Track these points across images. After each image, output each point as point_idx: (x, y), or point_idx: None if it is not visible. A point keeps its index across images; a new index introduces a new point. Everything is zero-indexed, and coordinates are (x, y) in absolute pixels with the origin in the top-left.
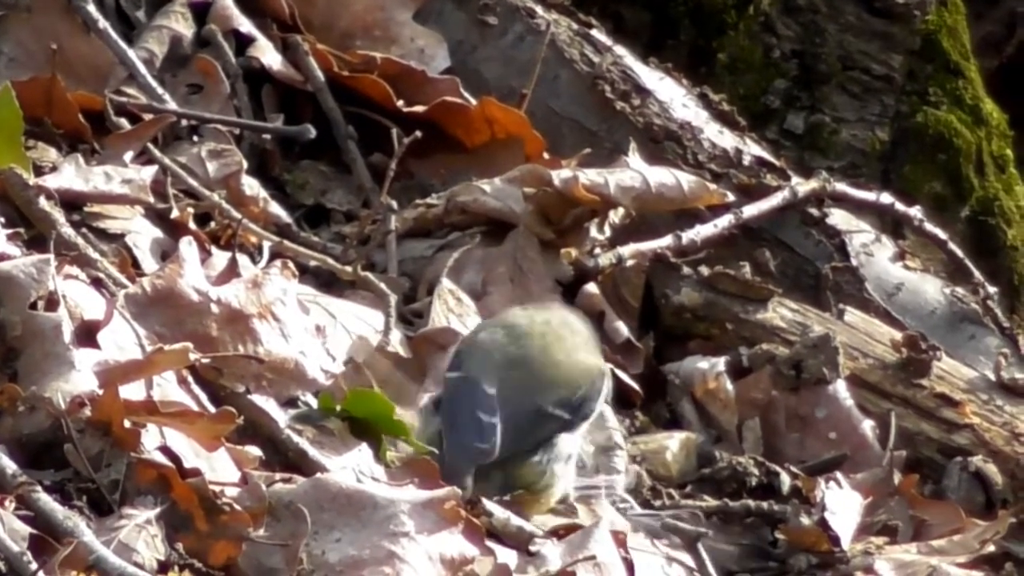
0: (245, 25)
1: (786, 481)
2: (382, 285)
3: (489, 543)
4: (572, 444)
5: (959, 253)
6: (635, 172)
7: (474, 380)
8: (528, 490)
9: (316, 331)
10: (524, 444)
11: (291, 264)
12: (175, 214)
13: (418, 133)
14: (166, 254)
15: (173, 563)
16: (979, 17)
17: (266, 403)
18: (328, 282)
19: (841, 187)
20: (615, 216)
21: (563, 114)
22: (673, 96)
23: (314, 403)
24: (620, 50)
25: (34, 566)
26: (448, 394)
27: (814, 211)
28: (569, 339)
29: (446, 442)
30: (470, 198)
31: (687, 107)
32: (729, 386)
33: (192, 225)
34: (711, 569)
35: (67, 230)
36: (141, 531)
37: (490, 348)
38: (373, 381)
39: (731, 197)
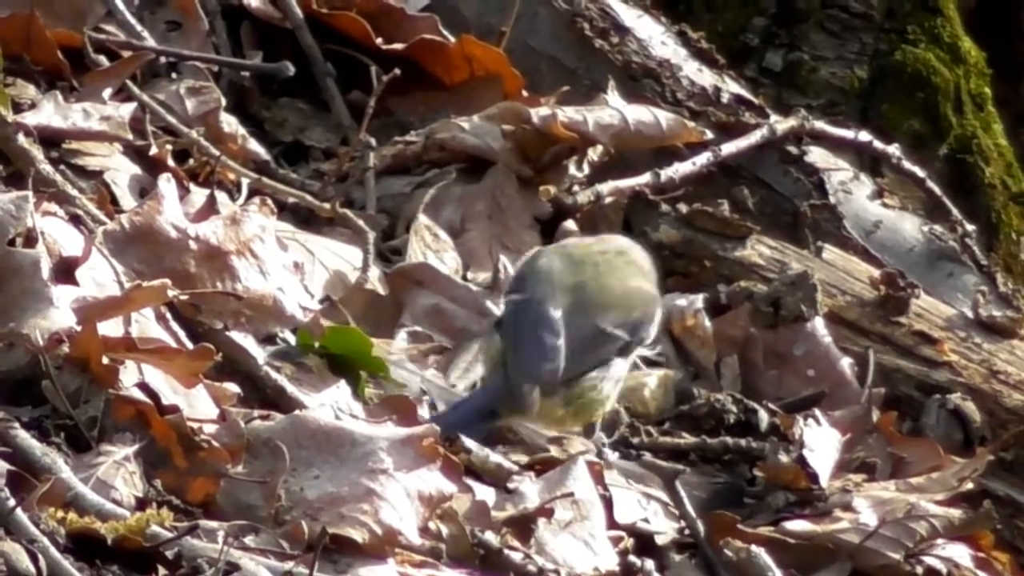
0: None
1: (764, 418)
2: (360, 222)
3: (467, 480)
4: (623, 368)
5: (937, 191)
6: (614, 110)
7: (538, 302)
8: (581, 408)
9: (294, 268)
10: (584, 364)
11: (269, 201)
12: (154, 151)
13: (397, 71)
14: (144, 191)
15: (151, 500)
16: None
17: (244, 340)
18: (306, 219)
19: (819, 125)
20: (593, 154)
21: (542, 52)
22: (652, 34)
23: (292, 340)
24: None
25: (12, 502)
26: (511, 316)
27: (792, 149)
28: (624, 268)
29: (512, 363)
30: (448, 135)
31: (666, 45)
32: (707, 323)
33: (171, 162)
34: (688, 506)
35: (46, 167)
36: (119, 468)
37: (550, 273)
38: (350, 318)
39: (709, 135)
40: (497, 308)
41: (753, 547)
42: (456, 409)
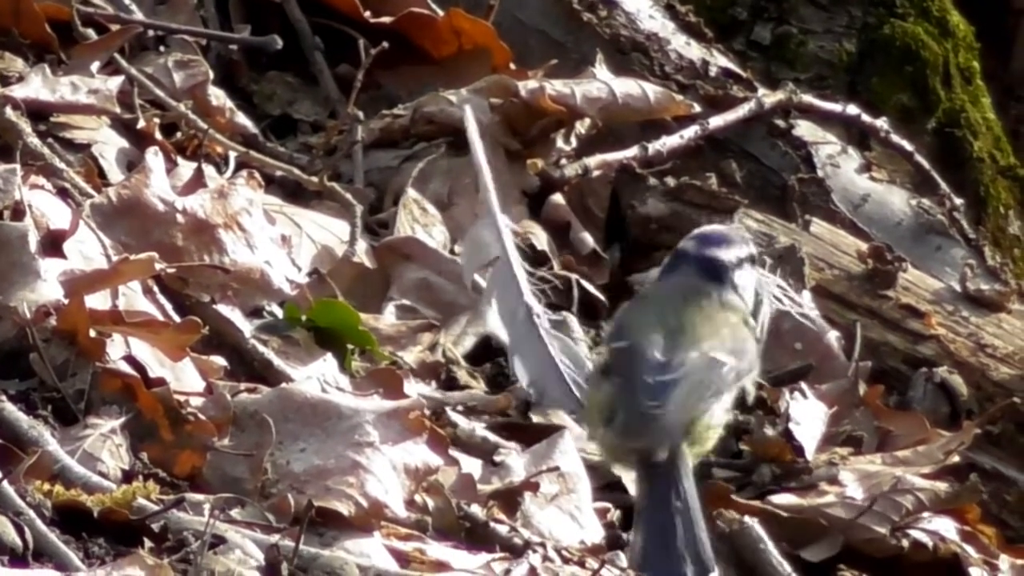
0: None
1: (751, 392)
2: (348, 195)
3: (453, 453)
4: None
5: (925, 164)
6: (602, 83)
7: (640, 347)
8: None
9: (282, 241)
10: (701, 395)
11: (257, 174)
12: (141, 124)
13: (385, 44)
14: (132, 164)
15: (137, 472)
16: None
17: (231, 313)
18: (294, 192)
19: (807, 98)
20: (581, 127)
21: (530, 25)
22: (640, 7)
23: (279, 313)
24: None
25: None
26: (617, 362)
27: (780, 122)
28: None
29: (622, 408)
30: (436, 109)
31: (654, 18)
32: None
33: (158, 135)
34: None
35: (33, 140)
36: (106, 440)
37: (647, 318)
38: (338, 291)
39: (697, 108)
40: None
41: (746, 518)
42: None
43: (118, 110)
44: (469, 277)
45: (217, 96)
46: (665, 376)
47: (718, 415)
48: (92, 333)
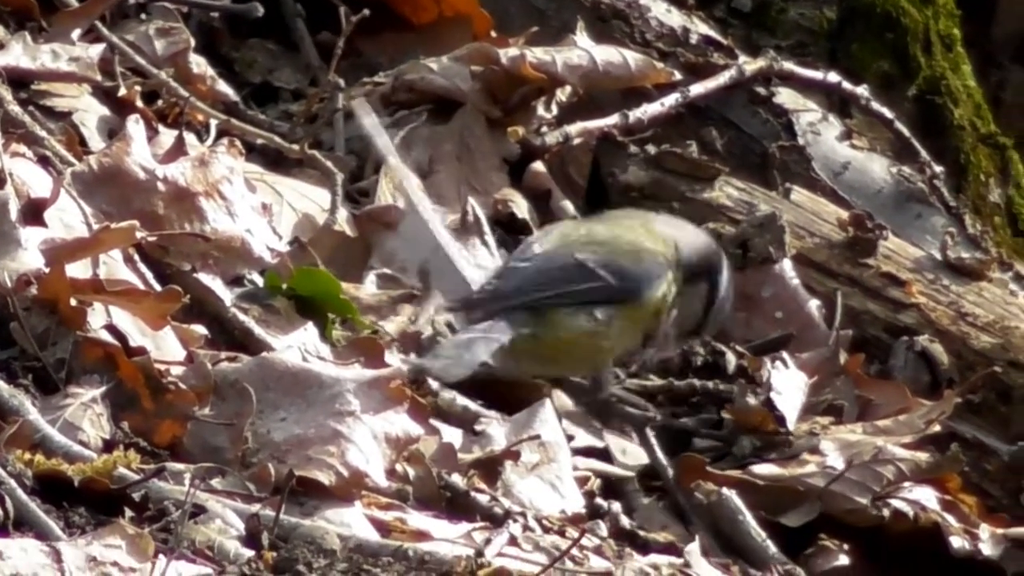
0: None
1: (732, 360)
2: (329, 163)
3: (434, 422)
4: (610, 315)
5: (906, 132)
6: (582, 51)
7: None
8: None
9: (263, 209)
10: (549, 290)
11: (238, 142)
12: (122, 92)
13: (366, 11)
14: (113, 132)
15: (118, 442)
16: None
17: (212, 282)
18: (275, 160)
19: (788, 66)
20: (562, 94)
21: None
22: None
23: (260, 281)
24: None
25: None
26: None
27: (761, 90)
28: (637, 229)
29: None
30: (417, 76)
31: None
32: None
33: (139, 103)
34: (659, 453)
35: (14, 108)
36: (86, 410)
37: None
38: (319, 259)
39: (678, 76)
40: (466, 247)
41: (724, 489)
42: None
43: (99, 78)
44: (412, 273)
45: (198, 64)
46: (519, 262)
47: (578, 322)
48: (73, 302)
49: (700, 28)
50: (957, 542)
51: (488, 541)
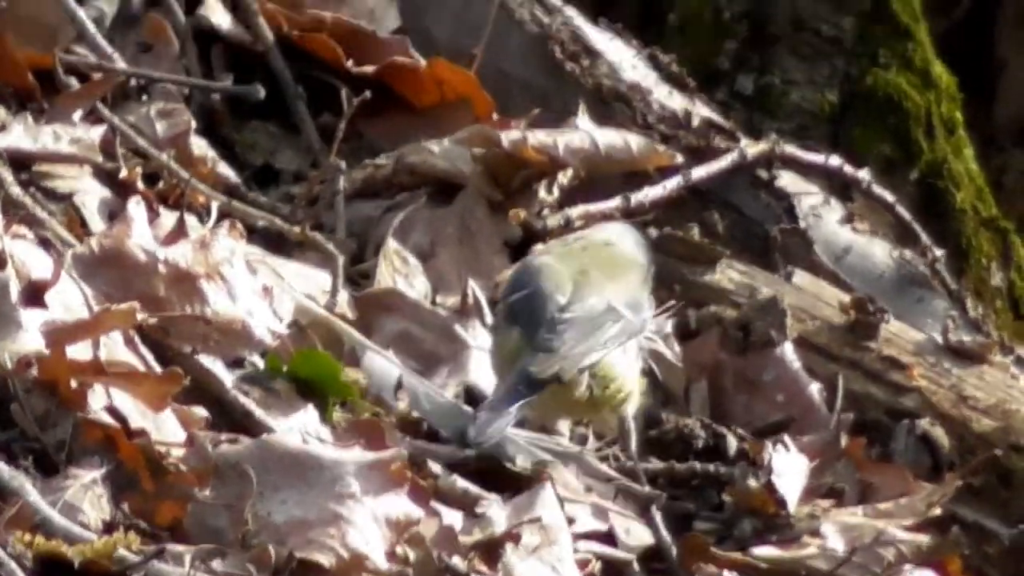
0: None
1: (733, 444)
2: (330, 246)
3: (435, 504)
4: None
5: (907, 216)
6: (584, 133)
7: (544, 290)
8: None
9: (263, 292)
10: (599, 341)
11: (239, 224)
12: (123, 174)
13: (367, 93)
14: (114, 214)
15: (119, 523)
16: None
17: (213, 364)
18: (276, 242)
19: (790, 149)
20: (564, 177)
21: (512, 75)
22: (623, 57)
23: (261, 364)
24: (570, 11)
25: None
26: (521, 308)
27: (763, 173)
28: (611, 258)
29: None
30: (419, 159)
31: (636, 68)
32: (677, 348)
33: (140, 185)
34: (664, 532)
35: (15, 189)
36: (87, 491)
37: (548, 266)
38: (318, 342)
39: (680, 159)
40: (467, 330)
41: (726, 572)
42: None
43: (100, 159)
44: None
45: (199, 145)
46: (564, 315)
47: (622, 365)
48: (73, 383)
49: (702, 111)
50: None
51: None
